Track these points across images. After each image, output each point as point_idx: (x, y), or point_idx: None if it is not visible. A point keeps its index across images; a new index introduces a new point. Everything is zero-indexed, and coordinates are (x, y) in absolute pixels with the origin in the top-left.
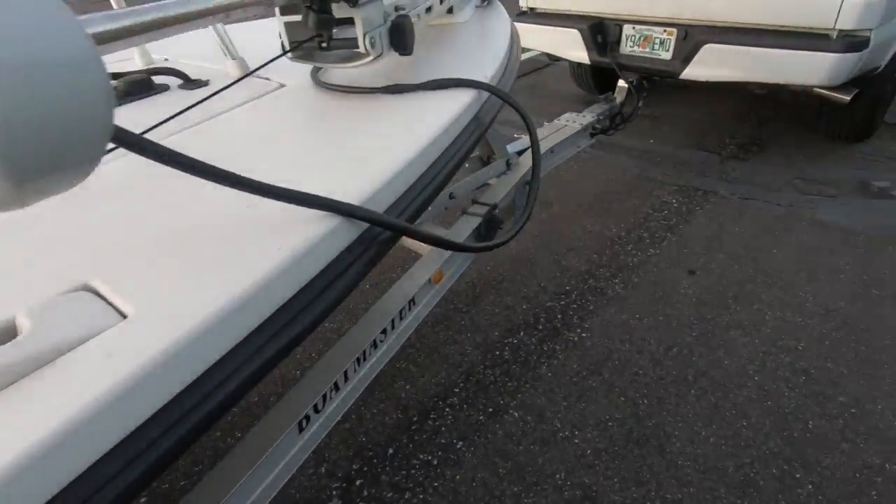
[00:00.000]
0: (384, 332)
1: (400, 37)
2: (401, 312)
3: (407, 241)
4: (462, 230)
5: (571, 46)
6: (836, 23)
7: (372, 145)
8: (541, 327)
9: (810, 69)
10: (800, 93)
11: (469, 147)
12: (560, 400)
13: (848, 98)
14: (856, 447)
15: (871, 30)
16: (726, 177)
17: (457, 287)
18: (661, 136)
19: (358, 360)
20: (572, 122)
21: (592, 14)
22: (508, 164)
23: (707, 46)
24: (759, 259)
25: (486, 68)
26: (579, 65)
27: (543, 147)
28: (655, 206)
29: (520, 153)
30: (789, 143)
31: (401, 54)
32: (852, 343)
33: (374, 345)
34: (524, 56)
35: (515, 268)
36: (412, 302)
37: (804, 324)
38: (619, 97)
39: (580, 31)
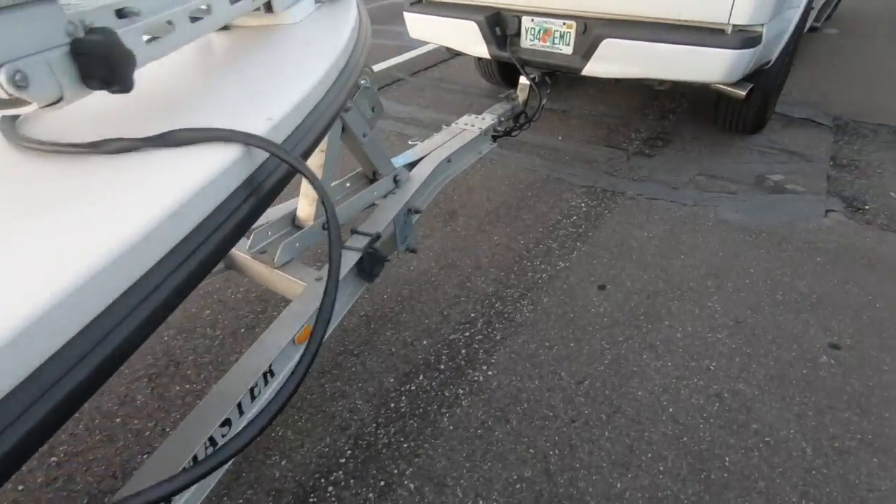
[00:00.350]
0: (226, 423)
1: (95, 66)
2: (252, 391)
3: (266, 278)
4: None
5: (469, 40)
6: (730, 17)
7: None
8: (443, 367)
9: (708, 66)
10: (698, 86)
11: (231, 232)
12: (463, 461)
13: (743, 93)
14: (773, 485)
15: (763, 24)
16: (633, 175)
17: (348, 324)
18: (570, 131)
19: (195, 457)
20: (471, 125)
21: (489, 4)
22: (396, 181)
23: (607, 41)
24: (668, 268)
25: (273, 107)
26: (482, 58)
27: (440, 156)
28: (565, 211)
29: (412, 165)
30: (691, 137)
31: (111, 91)
32: (761, 358)
33: (211, 442)
34: (426, 48)
35: (416, 294)
36: (268, 374)
37: (714, 340)
38: (521, 95)
39: (477, 23)
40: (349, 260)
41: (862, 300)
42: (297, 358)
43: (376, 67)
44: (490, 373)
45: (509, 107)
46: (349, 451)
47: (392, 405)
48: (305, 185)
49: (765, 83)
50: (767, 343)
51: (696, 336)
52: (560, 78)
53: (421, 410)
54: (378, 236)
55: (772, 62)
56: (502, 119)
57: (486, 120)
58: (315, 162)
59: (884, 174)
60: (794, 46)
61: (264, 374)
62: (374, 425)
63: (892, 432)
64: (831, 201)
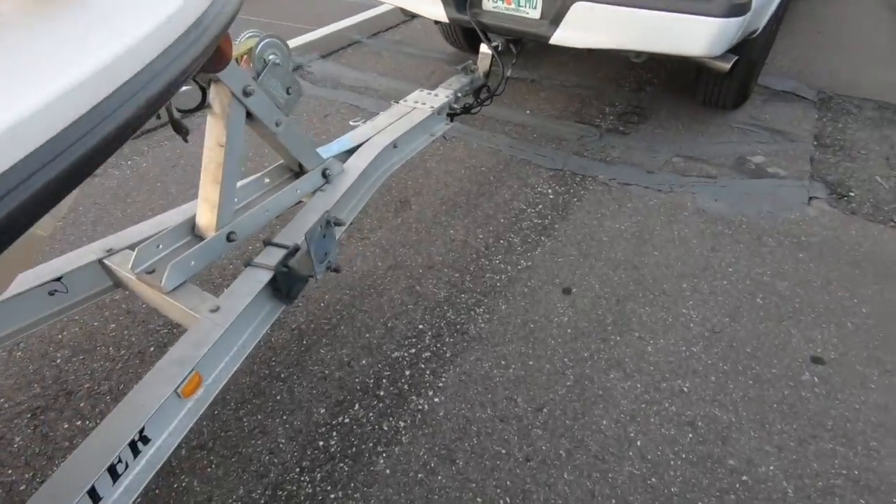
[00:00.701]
0: (93, 493)
1: None
2: (112, 470)
3: (158, 303)
4: (240, 293)
5: (424, 0)
6: None
7: None
8: (382, 393)
9: (691, 37)
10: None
11: None
12: None
13: (728, 66)
14: None
15: None
16: (606, 156)
17: (277, 339)
18: (539, 104)
19: None
20: (422, 103)
21: None
22: (326, 176)
23: (578, 4)
24: (640, 266)
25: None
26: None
27: (383, 141)
28: (530, 198)
29: (350, 153)
30: (668, 112)
31: None
32: (739, 377)
33: None
34: (384, 7)
35: (358, 301)
36: (141, 440)
37: (688, 354)
38: (481, 66)
39: None
40: (259, 279)
41: (846, 304)
42: (181, 416)
43: (332, 27)
44: (436, 399)
45: (468, 80)
46: (266, 501)
47: (321, 443)
48: (204, 185)
49: (750, 55)
50: (746, 358)
51: (668, 350)
52: (528, 45)
53: (354, 450)
54: (296, 249)
55: (758, 31)
56: (460, 95)
57: (441, 97)
58: (213, 158)
59: (869, 156)
60: (782, 13)
61: (132, 444)
62: (298, 470)
63: (881, 466)
64: (815, 187)
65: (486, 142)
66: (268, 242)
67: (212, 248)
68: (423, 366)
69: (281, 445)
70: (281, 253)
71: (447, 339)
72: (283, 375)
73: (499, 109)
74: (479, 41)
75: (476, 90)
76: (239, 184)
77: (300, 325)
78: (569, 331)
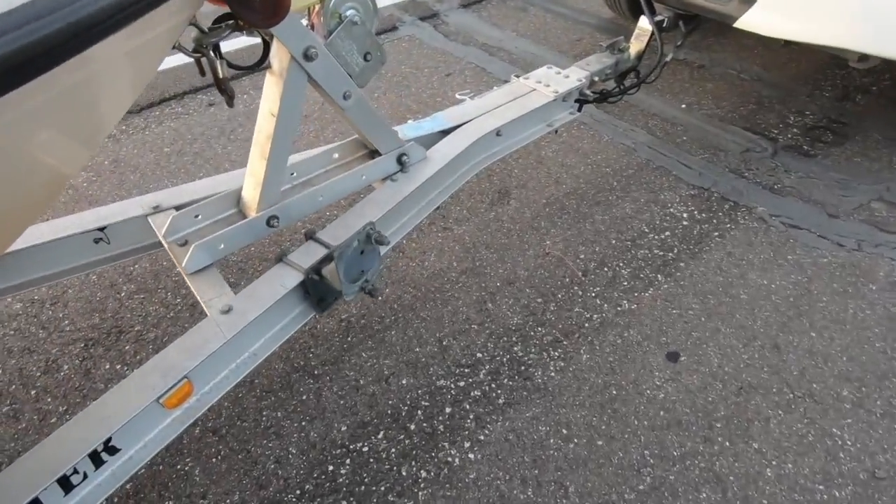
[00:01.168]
0: None
1: None
2: (65, 481)
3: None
4: (261, 295)
5: None
6: None
7: None
8: (413, 427)
9: None
10: None
11: None
12: None
13: None
14: None
15: None
16: (774, 182)
17: (323, 327)
18: (700, 97)
19: None
20: (545, 84)
21: None
22: (402, 163)
23: None
24: (785, 348)
25: None
26: None
27: (484, 126)
28: (656, 220)
29: (443, 133)
30: (881, 136)
31: None
32: None
33: None
34: None
35: (419, 304)
36: (107, 450)
37: (827, 499)
38: (634, 46)
39: None
40: (286, 283)
41: None
42: (161, 427)
43: None
44: (471, 455)
45: (612, 61)
46: None
47: (330, 468)
48: (252, 158)
49: None
50: None
51: (797, 484)
52: (704, 24)
53: (362, 489)
54: (331, 257)
55: None
56: (597, 79)
57: (571, 79)
58: (264, 128)
59: None
60: None
61: (94, 454)
62: (298, 493)
63: None
64: None
65: (620, 135)
66: (310, 236)
67: (247, 231)
68: (467, 406)
69: (290, 457)
70: (320, 253)
71: (505, 381)
72: (316, 372)
73: (646, 97)
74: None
75: (621, 74)
76: (300, 156)
77: (349, 317)
78: (661, 413)
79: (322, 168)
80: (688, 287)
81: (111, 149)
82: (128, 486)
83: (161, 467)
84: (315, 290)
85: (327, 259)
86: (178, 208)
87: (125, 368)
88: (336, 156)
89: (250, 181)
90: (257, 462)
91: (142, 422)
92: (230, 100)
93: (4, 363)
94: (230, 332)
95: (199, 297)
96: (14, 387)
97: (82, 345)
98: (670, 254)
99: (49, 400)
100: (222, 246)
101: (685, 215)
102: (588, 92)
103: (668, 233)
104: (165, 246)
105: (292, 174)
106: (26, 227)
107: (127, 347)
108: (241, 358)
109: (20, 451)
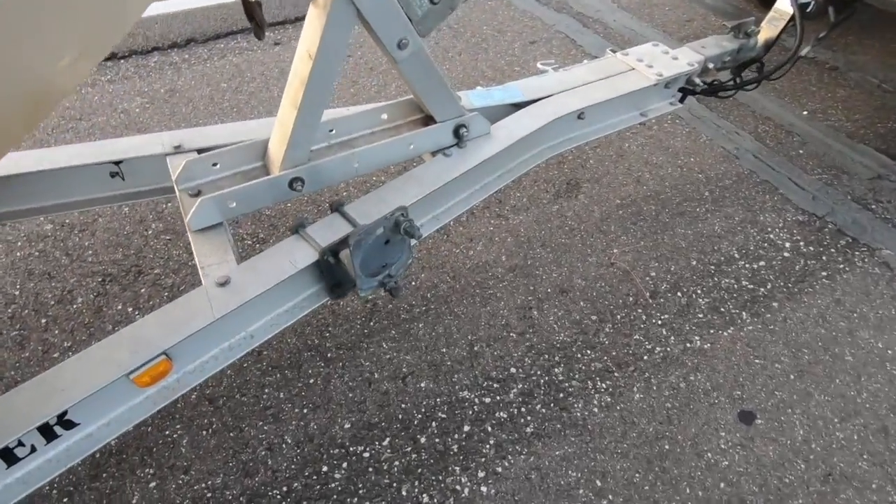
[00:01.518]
0: None
1: None
2: (7, 453)
3: None
4: (266, 269)
5: None
6: None
7: None
8: (423, 441)
9: None
10: None
11: None
12: None
13: None
14: None
15: None
16: None
17: (348, 305)
18: (828, 106)
19: None
20: (647, 64)
21: None
22: (459, 135)
23: None
24: (895, 437)
25: None
26: None
27: (566, 105)
28: (752, 245)
29: (518, 106)
30: None
31: None
32: None
33: None
34: None
35: (455, 298)
36: (62, 423)
37: None
38: (766, 32)
39: None
40: (297, 260)
41: None
42: (132, 405)
43: None
44: (483, 489)
45: (734, 46)
46: None
47: (324, 469)
48: (283, 105)
49: None
50: None
51: None
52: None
53: (353, 501)
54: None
55: None
56: (712, 65)
57: (681, 61)
58: (299, 72)
59: None
60: None
61: (44, 427)
62: (285, 490)
63: None
64: None
65: (722, 138)
66: (336, 207)
67: (265, 190)
68: (489, 429)
69: (284, 446)
70: (343, 231)
71: (538, 406)
72: (329, 356)
73: (760, 96)
74: None
75: (740, 65)
76: (342, 112)
77: (376, 299)
78: (721, 485)
79: (367, 129)
80: (778, 334)
81: (169, 77)
82: (112, 443)
83: (149, 429)
84: (330, 274)
85: (341, 242)
86: (201, 152)
87: (136, 313)
88: (384, 116)
89: (278, 133)
90: (248, 444)
91: (106, 398)
92: (259, 30)
93: (24, 285)
94: (221, 310)
95: (197, 261)
96: (27, 311)
97: (100, 279)
98: (762, 289)
99: (56, 332)
100: (234, 204)
101: (788, 245)
102: (697, 80)
103: (762, 263)
104: (177, 193)
105: (330, 131)
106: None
107: (143, 290)
108: (234, 338)
109: (19, 380)
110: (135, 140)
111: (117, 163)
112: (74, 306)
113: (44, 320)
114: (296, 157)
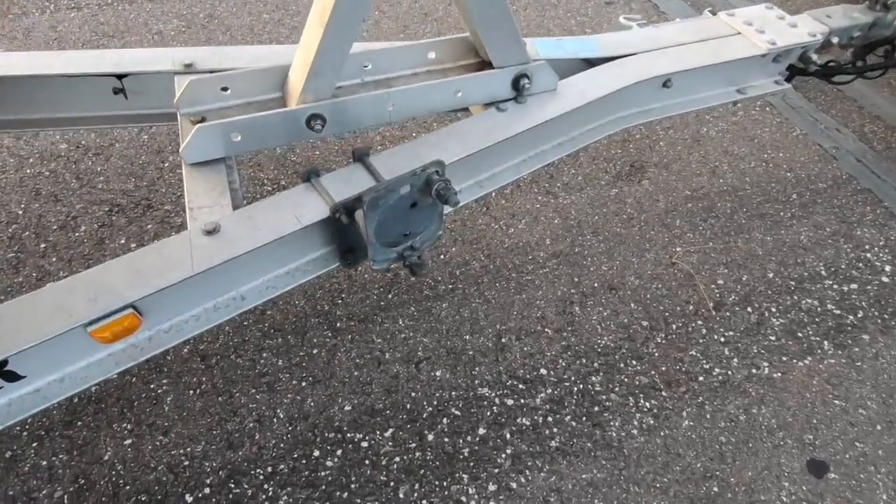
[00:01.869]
0: None
1: None
2: None
3: None
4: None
5: None
6: None
7: None
8: (432, 439)
9: None
10: None
11: None
12: None
13: None
14: None
15: None
16: None
17: (361, 273)
18: None
19: None
20: (758, 29)
21: None
22: (519, 88)
23: None
24: None
25: None
26: None
27: (649, 69)
28: (841, 263)
29: (591, 63)
30: None
31: None
32: None
33: None
34: None
35: (487, 280)
36: (3, 374)
37: None
38: None
39: None
40: (303, 215)
41: None
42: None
43: None
44: (492, 502)
45: (868, 20)
46: (211, 485)
47: (315, 454)
48: (309, 25)
49: None
50: None
51: None
52: None
53: (343, 496)
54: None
55: None
56: (836, 40)
57: (800, 29)
58: None
59: None
60: None
61: None
62: (270, 470)
63: None
64: None
65: (819, 134)
66: (360, 157)
67: (277, 125)
68: (508, 436)
69: (275, 421)
70: (363, 185)
71: (567, 418)
72: (338, 325)
73: (871, 90)
74: None
75: (868, 44)
76: (382, 45)
77: (398, 268)
78: None
79: (408, 68)
80: (866, 373)
81: (210, 2)
82: (93, 389)
83: (134, 379)
84: (342, 236)
85: (357, 199)
86: (212, 72)
87: None
88: (432, 55)
89: (300, 58)
90: (237, 413)
91: (57, 350)
92: None
93: (28, 205)
94: (202, 264)
95: (186, 201)
96: (27, 233)
97: (107, 208)
98: (851, 317)
99: (54, 260)
100: (238, 138)
101: (888, 269)
102: (814, 56)
103: (855, 285)
104: (178, 117)
105: (365, 66)
106: None
107: (149, 226)
108: (221, 298)
109: None
110: (141, 53)
111: (120, 77)
112: (77, 234)
113: (43, 245)
114: (318, 88)
